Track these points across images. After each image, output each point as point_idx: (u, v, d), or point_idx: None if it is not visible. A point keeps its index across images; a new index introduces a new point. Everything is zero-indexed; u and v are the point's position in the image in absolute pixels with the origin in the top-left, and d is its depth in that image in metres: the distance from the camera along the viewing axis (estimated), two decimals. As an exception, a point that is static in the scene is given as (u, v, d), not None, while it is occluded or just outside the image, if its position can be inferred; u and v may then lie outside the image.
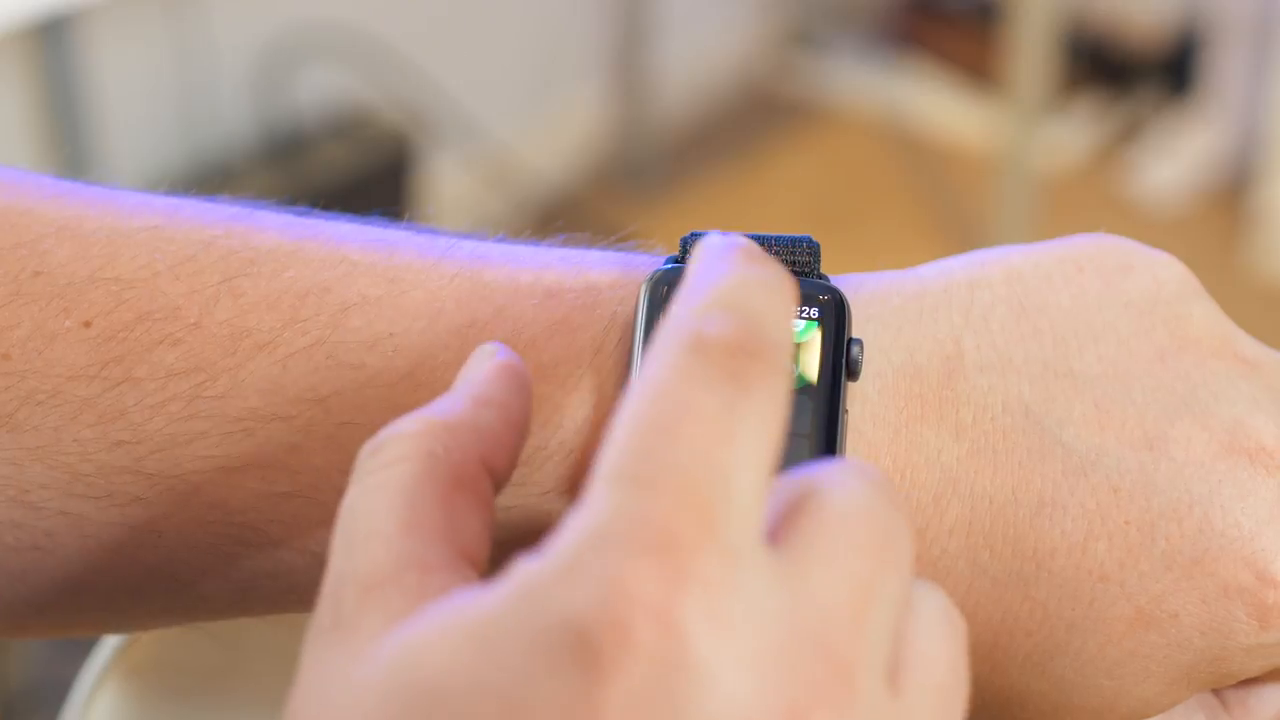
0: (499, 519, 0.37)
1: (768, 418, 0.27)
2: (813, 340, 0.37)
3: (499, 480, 0.33)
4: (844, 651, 0.27)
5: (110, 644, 0.50)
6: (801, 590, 0.27)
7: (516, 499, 0.37)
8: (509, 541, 0.37)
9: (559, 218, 2.16)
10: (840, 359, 0.37)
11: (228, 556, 0.38)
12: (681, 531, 0.26)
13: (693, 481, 0.26)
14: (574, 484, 0.37)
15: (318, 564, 0.38)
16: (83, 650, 0.50)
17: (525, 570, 0.26)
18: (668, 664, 0.25)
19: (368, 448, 0.32)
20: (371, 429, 0.36)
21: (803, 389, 0.37)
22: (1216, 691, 0.40)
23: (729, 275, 0.29)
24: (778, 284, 0.29)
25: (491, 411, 0.33)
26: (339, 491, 0.37)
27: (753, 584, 0.26)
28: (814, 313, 0.38)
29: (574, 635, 0.25)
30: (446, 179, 2.18)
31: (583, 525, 0.26)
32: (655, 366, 0.28)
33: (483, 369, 0.34)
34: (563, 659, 0.25)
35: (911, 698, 0.28)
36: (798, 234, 0.40)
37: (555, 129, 2.39)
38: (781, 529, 0.28)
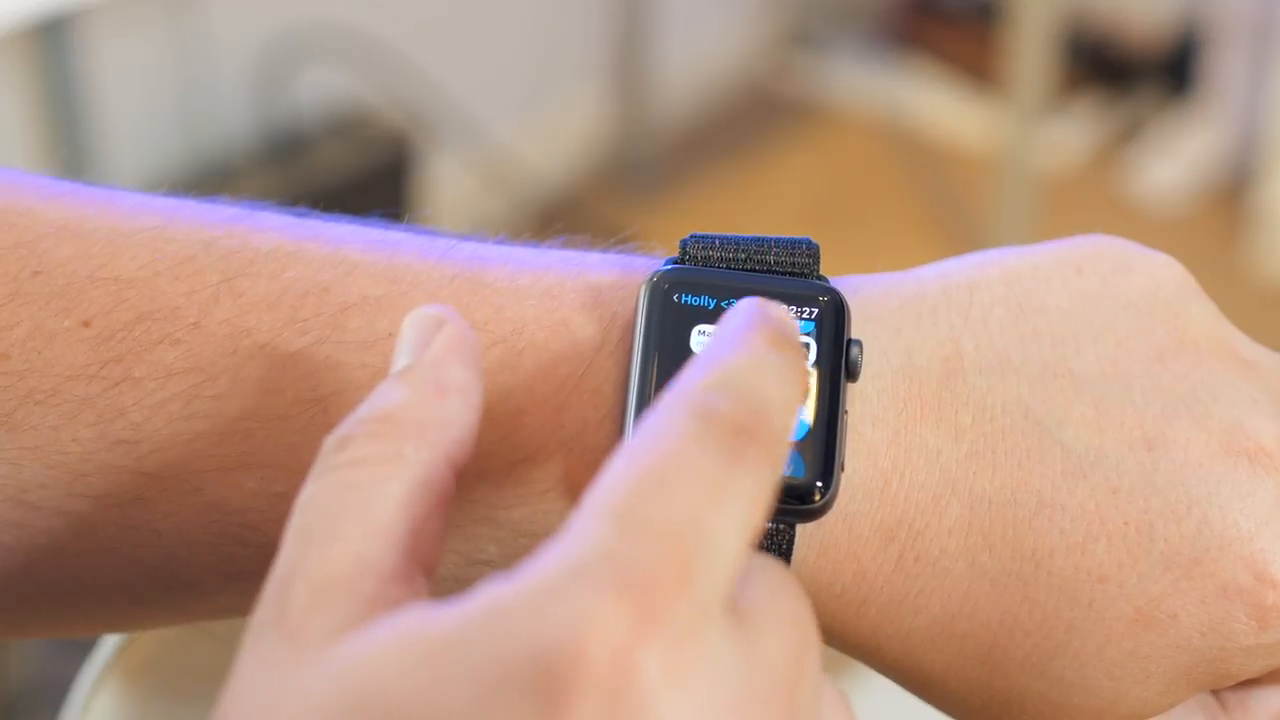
0: (500, 517, 0.37)
1: (756, 496, 0.28)
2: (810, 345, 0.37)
3: (460, 469, 0.32)
4: (786, 713, 0.27)
5: (110, 644, 0.50)
6: (753, 654, 0.28)
7: (517, 498, 0.37)
8: (508, 539, 0.37)
9: (559, 218, 2.17)
10: (839, 360, 0.37)
11: (227, 556, 0.38)
12: (660, 578, 0.26)
13: (680, 533, 0.27)
14: (574, 483, 0.37)
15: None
16: (83, 650, 0.50)
17: (494, 593, 0.26)
18: (623, 706, 0.25)
19: (332, 441, 0.31)
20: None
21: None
22: (1216, 692, 0.40)
23: (749, 355, 0.30)
24: (793, 375, 0.30)
25: (455, 401, 0.32)
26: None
27: (716, 641, 0.27)
28: (813, 313, 0.38)
29: (536, 666, 0.25)
30: (446, 179, 2.18)
31: (563, 555, 0.26)
32: (662, 421, 0.29)
33: (438, 349, 0.33)
34: (521, 689, 0.25)
35: None
36: (797, 236, 0.40)
37: (555, 129, 2.39)
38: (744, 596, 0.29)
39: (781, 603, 0.29)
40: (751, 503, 0.28)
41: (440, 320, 0.33)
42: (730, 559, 0.28)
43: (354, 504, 0.30)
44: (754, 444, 0.29)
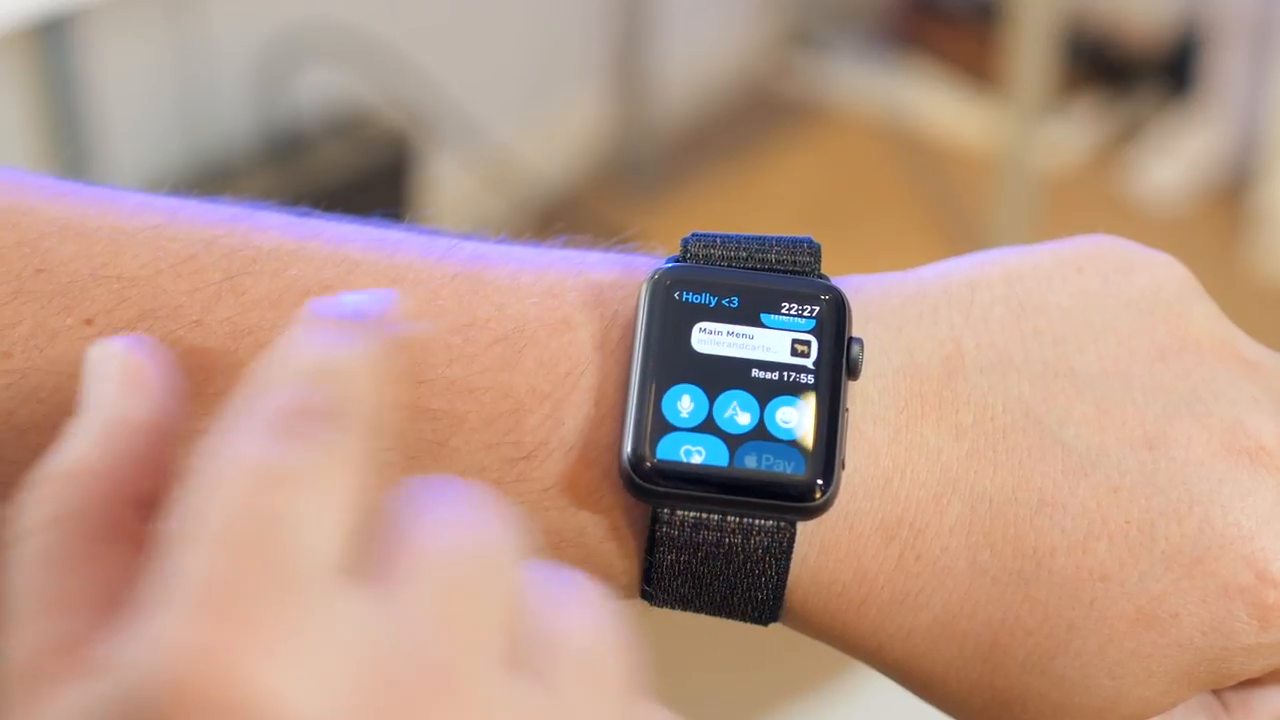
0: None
1: (327, 465, 0.27)
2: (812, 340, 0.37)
3: (158, 495, 0.30)
4: (437, 652, 0.26)
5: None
6: (388, 608, 0.26)
7: (518, 495, 0.37)
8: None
9: (559, 218, 2.17)
10: (841, 358, 0.37)
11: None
12: (234, 580, 0.25)
13: (242, 531, 0.26)
14: (575, 480, 0.37)
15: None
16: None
17: (105, 650, 0.26)
18: (235, 712, 0.24)
19: (13, 514, 0.30)
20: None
21: (806, 387, 0.37)
22: (1217, 692, 0.40)
23: (279, 349, 0.29)
24: (338, 340, 0.29)
25: (129, 437, 0.31)
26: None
27: (326, 615, 0.26)
28: (814, 311, 0.38)
29: (133, 707, 0.24)
30: (446, 179, 2.18)
31: (142, 595, 0.26)
32: (214, 436, 0.28)
33: (107, 388, 0.31)
34: None
35: (555, 677, 0.28)
36: (798, 235, 0.40)
37: (555, 129, 2.39)
38: (377, 558, 0.28)
39: (421, 548, 0.27)
40: (324, 472, 0.27)
41: (112, 356, 0.32)
42: (320, 533, 0.26)
43: (33, 579, 0.29)
44: (311, 419, 0.27)
